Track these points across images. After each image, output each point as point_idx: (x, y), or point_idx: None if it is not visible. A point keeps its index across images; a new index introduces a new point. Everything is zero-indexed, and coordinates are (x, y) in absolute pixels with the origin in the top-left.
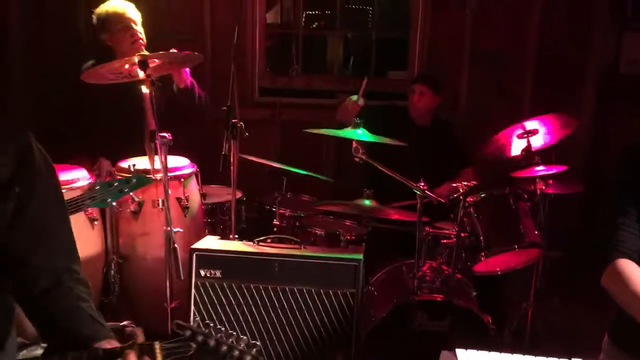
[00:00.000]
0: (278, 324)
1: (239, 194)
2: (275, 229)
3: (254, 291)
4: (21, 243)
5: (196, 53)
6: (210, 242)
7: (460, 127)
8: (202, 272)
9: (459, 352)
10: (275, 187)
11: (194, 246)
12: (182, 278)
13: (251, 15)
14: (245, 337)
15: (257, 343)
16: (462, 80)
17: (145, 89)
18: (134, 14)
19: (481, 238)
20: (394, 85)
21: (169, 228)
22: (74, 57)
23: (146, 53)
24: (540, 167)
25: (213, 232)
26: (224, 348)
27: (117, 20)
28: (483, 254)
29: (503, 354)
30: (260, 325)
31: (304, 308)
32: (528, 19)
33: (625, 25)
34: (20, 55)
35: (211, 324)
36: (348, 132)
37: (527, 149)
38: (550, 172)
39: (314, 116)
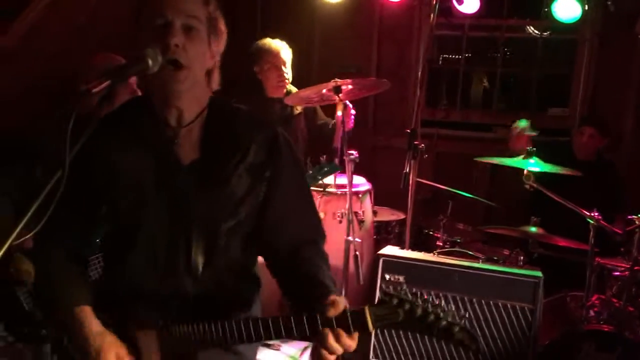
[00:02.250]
0: None
1: (402, 215)
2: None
3: (434, 298)
4: (271, 219)
5: (384, 80)
6: (394, 250)
7: (623, 167)
8: (387, 277)
9: None
10: (434, 212)
11: (380, 252)
12: (362, 283)
13: (416, 52)
14: (452, 308)
15: (465, 315)
16: (627, 121)
17: (339, 112)
18: (287, 55)
19: None
20: (553, 121)
21: (350, 237)
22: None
23: (292, 89)
24: None
25: (378, 248)
26: (431, 317)
27: (269, 59)
28: None
29: None
30: None
31: (481, 318)
32: None
33: None
34: None
35: (418, 293)
36: (522, 162)
37: None
38: None
39: (468, 148)
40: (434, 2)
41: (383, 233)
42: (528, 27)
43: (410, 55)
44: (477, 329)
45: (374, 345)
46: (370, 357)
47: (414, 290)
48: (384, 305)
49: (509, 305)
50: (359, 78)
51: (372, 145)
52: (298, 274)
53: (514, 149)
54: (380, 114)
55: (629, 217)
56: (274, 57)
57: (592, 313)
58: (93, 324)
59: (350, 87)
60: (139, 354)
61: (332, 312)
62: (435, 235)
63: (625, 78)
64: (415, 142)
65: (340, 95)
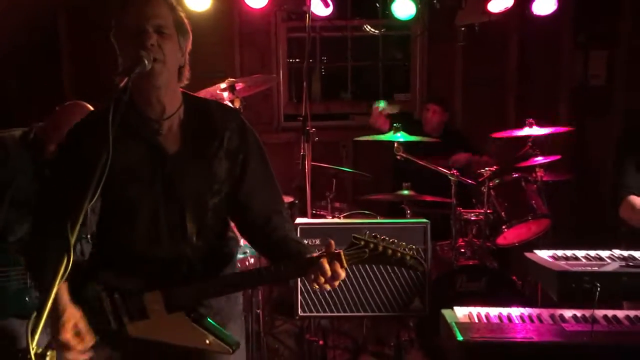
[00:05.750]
0: (366, 277)
1: (291, 199)
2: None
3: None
4: (244, 195)
5: (273, 75)
6: (305, 220)
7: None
8: (305, 241)
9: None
10: (315, 194)
11: (297, 221)
12: None
13: (275, 53)
14: (403, 243)
15: (414, 246)
16: (457, 101)
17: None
18: None
19: (502, 213)
20: (399, 105)
21: None
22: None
23: None
24: (539, 158)
25: None
26: (390, 251)
27: None
28: (504, 226)
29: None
30: (352, 279)
31: None
32: (508, 49)
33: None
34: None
35: (379, 235)
36: (392, 136)
37: (532, 142)
38: (548, 160)
39: (332, 136)
40: (308, 4)
41: None
42: (366, 27)
43: (270, 57)
44: (383, 271)
45: (301, 302)
46: (299, 312)
47: (373, 233)
48: (354, 247)
49: None
50: None
51: None
52: (275, 238)
53: (375, 126)
54: (247, 114)
55: (478, 171)
56: None
57: (459, 254)
58: (65, 296)
59: (241, 84)
60: (146, 312)
61: (329, 249)
62: (321, 213)
63: (452, 64)
64: (307, 128)
65: (235, 92)
